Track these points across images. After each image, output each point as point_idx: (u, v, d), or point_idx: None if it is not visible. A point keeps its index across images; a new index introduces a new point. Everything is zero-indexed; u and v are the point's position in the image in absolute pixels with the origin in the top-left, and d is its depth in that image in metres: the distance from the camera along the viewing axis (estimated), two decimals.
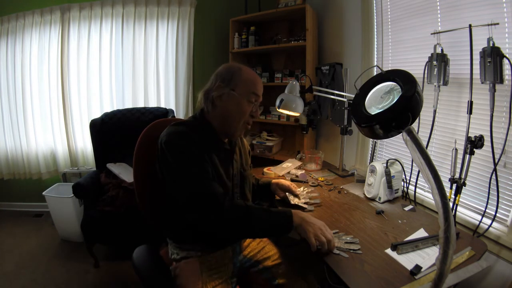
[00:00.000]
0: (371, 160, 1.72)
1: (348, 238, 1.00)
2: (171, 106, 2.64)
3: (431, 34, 1.28)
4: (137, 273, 0.94)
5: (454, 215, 1.21)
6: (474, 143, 1.08)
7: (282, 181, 1.28)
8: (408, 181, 1.47)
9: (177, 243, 1.05)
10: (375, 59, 1.75)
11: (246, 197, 1.14)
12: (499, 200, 1.11)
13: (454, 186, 1.18)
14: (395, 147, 1.65)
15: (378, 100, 0.70)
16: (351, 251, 0.93)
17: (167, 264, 1.04)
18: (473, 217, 1.21)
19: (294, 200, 1.26)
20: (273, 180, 1.30)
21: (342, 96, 1.59)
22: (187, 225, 0.98)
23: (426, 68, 1.28)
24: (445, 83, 1.22)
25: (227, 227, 0.90)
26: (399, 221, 1.13)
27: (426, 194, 1.44)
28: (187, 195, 0.89)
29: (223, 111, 1.00)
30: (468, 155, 1.12)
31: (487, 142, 1.09)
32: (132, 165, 1.10)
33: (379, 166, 1.30)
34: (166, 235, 1.09)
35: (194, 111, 0.99)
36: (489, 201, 1.14)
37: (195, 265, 0.99)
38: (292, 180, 1.58)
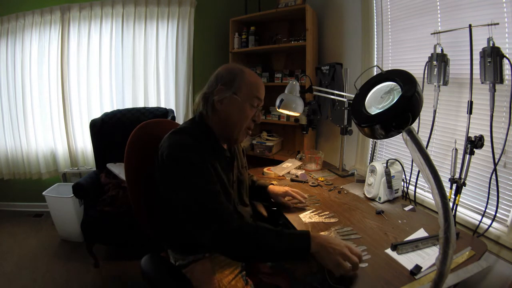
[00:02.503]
0: (371, 160, 1.72)
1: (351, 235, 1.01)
2: (171, 106, 2.64)
3: (431, 34, 1.28)
4: (150, 283, 0.95)
5: (454, 215, 1.21)
6: (474, 143, 1.08)
7: (279, 188, 1.27)
8: (408, 181, 1.47)
9: (181, 252, 1.03)
10: (375, 59, 1.75)
11: (244, 202, 1.12)
12: (499, 200, 1.11)
13: (454, 186, 1.18)
14: (395, 147, 1.65)
15: (378, 100, 0.70)
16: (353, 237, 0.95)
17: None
18: (473, 217, 1.21)
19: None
20: (270, 186, 1.28)
21: (342, 96, 1.59)
22: (191, 240, 0.96)
23: (426, 68, 1.28)
24: (445, 83, 1.22)
25: (233, 248, 0.83)
26: (399, 221, 1.13)
27: (426, 194, 1.44)
28: (192, 212, 0.84)
29: (225, 115, 0.96)
30: (468, 155, 1.12)
31: (487, 142, 1.09)
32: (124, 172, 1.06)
33: (379, 166, 1.29)
34: (167, 246, 1.07)
35: (194, 112, 0.97)
36: (489, 201, 1.14)
37: (207, 265, 0.99)
38: (292, 180, 1.58)
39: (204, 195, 0.84)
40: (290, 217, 1.17)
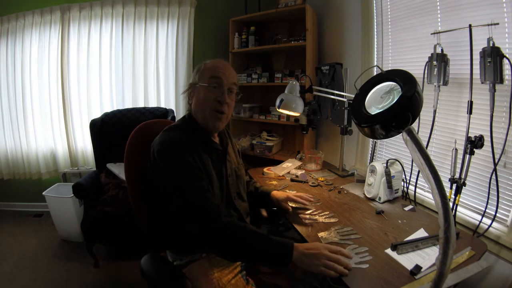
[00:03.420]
0: (371, 160, 1.72)
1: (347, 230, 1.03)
2: (171, 106, 2.64)
3: (431, 34, 1.28)
4: (150, 283, 0.95)
5: (454, 215, 1.21)
6: (474, 143, 1.08)
7: (281, 193, 1.24)
8: (408, 181, 1.47)
9: (179, 252, 1.04)
10: (375, 59, 1.75)
11: (241, 197, 1.13)
12: (499, 200, 1.11)
13: (454, 186, 1.18)
14: (395, 147, 1.65)
15: (378, 100, 0.70)
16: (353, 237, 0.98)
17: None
18: (473, 217, 1.21)
19: (325, 239, 1.00)
20: (273, 192, 1.25)
21: (342, 96, 1.59)
22: (186, 237, 0.97)
23: (426, 68, 1.28)
24: (445, 83, 1.22)
25: (221, 242, 0.85)
26: (399, 221, 1.13)
27: (426, 194, 1.44)
28: (181, 206, 0.88)
29: (194, 105, 1.03)
30: (468, 155, 1.12)
31: (487, 142, 1.09)
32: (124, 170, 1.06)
33: (379, 166, 1.29)
34: (165, 246, 1.08)
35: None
36: (489, 201, 1.14)
37: (205, 264, 0.99)
38: (292, 180, 1.58)
39: (191, 190, 0.88)
40: (290, 217, 1.17)
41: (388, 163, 1.31)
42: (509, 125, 1.06)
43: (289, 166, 1.75)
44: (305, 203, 1.22)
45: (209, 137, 1.04)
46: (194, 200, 0.87)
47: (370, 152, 1.80)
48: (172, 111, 2.34)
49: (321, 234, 1.03)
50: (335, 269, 0.79)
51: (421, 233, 1.04)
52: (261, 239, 0.84)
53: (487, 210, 1.15)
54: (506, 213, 1.11)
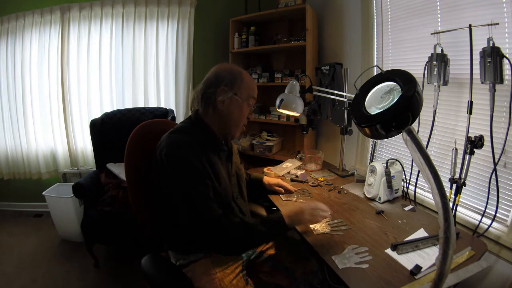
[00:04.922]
0: (371, 160, 1.72)
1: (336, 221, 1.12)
2: (171, 106, 2.64)
3: (431, 34, 1.28)
4: (151, 283, 0.95)
5: (454, 215, 1.21)
6: (474, 143, 1.08)
7: (272, 179, 1.43)
8: (408, 181, 1.47)
9: (181, 252, 1.04)
10: (375, 59, 1.75)
11: (243, 196, 1.14)
12: (499, 200, 1.11)
13: (454, 186, 1.18)
14: (395, 147, 1.65)
15: (378, 100, 0.70)
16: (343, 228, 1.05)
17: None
18: (473, 217, 1.21)
19: (317, 231, 1.08)
20: (265, 178, 1.42)
21: (342, 96, 1.59)
22: (191, 239, 0.97)
23: (426, 68, 1.28)
24: (445, 83, 1.22)
25: (229, 246, 0.93)
26: (399, 221, 1.13)
27: (426, 194, 1.44)
28: (187, 213, 0.89)
29: (225, 114, 1.00)
30: (468, 155, 1.12)
31: (487, 142, 1.09)
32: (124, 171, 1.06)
33: (379, 166, 1.29)
34: (167, 246, 1.08)
35: (190, 109, 1.00)
36: (489, 201, 1.14)
37: (208, 264, 1.00)
38: (292, 180, 1.58)
39: (198, 199, 0.88)
40: None
41: (388, 163, 1.31)
42: (509, 125, 1.06)
43: (289, 166, 1.75)
44: (292, 189, 1.41)
45: (219, 139, 1.04)
46: (201, 210, 0.88)
47: (370, 152, 1.80)
48: (172, 111, 2.34)
49: (312, 226, 1.06)
50: (318, 218, 1.00)
51: (421, 233, 1.04)
52: (261, 226, 0.94)
53: (487, 210, 1.16)
54: (506, 213, 1.12)
